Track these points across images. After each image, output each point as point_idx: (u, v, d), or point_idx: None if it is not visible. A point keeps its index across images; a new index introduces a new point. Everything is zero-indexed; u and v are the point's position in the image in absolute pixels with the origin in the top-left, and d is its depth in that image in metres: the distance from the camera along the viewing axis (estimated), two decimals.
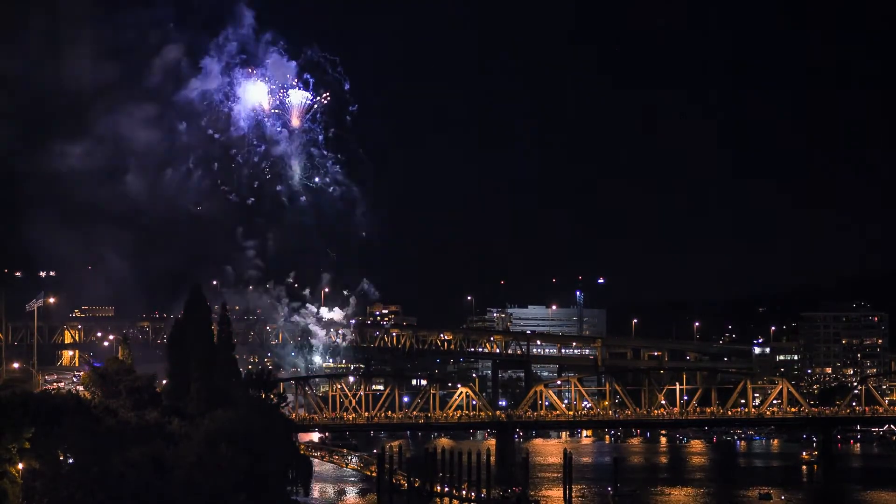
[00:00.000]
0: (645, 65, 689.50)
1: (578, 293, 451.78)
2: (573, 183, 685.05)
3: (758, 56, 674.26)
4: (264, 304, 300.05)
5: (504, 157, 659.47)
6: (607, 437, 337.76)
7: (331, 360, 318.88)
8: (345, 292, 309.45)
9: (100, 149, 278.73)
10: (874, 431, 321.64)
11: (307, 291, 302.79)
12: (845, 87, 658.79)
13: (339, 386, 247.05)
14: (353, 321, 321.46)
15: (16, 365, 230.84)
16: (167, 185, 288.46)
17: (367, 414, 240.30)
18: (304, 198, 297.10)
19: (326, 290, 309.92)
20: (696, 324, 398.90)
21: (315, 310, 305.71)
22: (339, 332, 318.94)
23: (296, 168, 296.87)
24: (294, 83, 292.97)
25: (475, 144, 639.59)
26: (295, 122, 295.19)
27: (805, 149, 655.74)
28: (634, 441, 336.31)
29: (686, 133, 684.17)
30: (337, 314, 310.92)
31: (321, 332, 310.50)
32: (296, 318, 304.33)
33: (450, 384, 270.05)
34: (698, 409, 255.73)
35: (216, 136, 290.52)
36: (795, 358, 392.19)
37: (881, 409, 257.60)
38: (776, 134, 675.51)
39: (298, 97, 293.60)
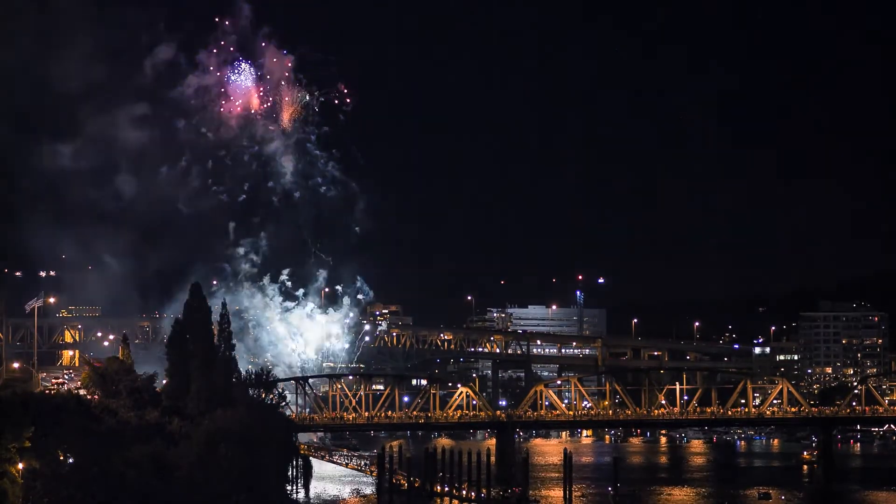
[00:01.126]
0: (641, 66, 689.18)
1: (578, 293, 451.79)
2: (573, 183, 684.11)
3: (765, 58, 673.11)
4: (259, 304, 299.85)
5: (504, 157, 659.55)
6: (607, 437, 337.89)
7: (330, 360, 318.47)
8: (338, 288, 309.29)
9: (95, 148, 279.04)
10: (874, 431, 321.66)
11: (301, 292, 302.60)
12: (846, 87, 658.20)
13: (339, 386, 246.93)
14: (348, 320, 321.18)
15: (16, 365, 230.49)
16: (161, 184, 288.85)
17: (367, 414, 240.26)
18: (298, 193, 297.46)
19: (326, 290, 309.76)
20: (696, 324, 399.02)
21: (311, 309, 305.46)
22: (339, 331, 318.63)
23: (289, 166, 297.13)
24: (289, 80, 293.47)
25: (474, 144, 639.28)
26: (288, 119, 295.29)
27: (805, 148, 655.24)
28: (634, 441, 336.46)
29: (686, 133, 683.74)
30: (334, 314, 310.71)
31: (318, 332, 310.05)
32: (291, 317, 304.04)
33: (450, 384, 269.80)
34: (698, 409, 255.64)
35: (209, 134, 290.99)
36: (795, 358, 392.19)
37: (881, 409, 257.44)
38: (777, 133, 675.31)
39: (293, 94, 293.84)
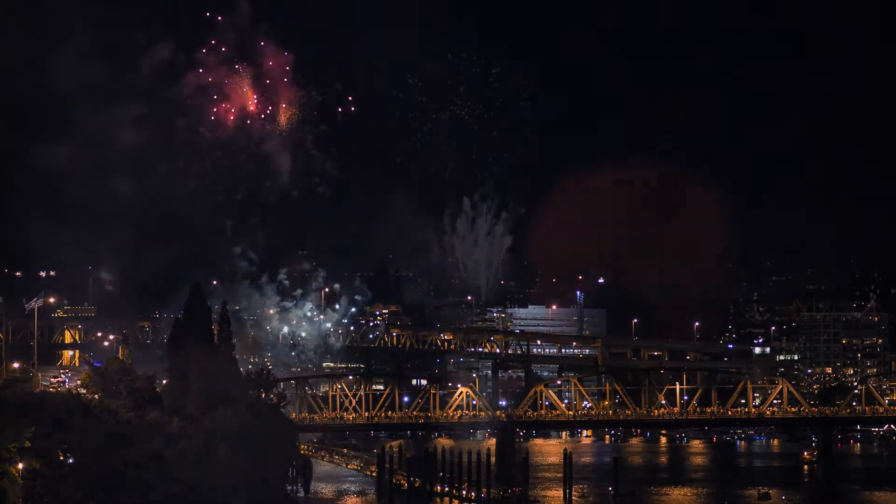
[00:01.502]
0: (640, 65, 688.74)
1: (578, 293, 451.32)
2: (572, 182, 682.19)
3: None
4: (257, 303, 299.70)
5: (503, 156, 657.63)
6: (607, 437, 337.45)
7: (330, 360, 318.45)
8: (336, 287, 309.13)
9: (92, 147, 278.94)
10: (874, 431, 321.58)
11: (299, 292, 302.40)
12: (846, 86, 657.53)
13: (339, 386, 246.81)
14: (346, 320, 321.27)
15: (16, 365, 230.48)
16: (160, 184, 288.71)
17: (367, 414, 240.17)
18: (296, 192, 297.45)
19: (325, 290, 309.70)
20: (696, 324, 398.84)
21: (309, 308, 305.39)
22: (338, 331, 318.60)
23: (287, 165, 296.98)
24: (287, 79, 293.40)
25: (474, 143, 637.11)
26: (286, 118, 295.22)
27: (804, 148, 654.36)
28: (634, 441, 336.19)
29: (686, 133, 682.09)
30: (332, 313, 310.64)
31: (316, 332, 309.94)
32: (289, 317, 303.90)
33: (450, 384, 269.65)
34: (698, 409, 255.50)
35: (207, 133, 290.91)
36: (795, 358, 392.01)
37: (881, 409, 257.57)
38: (776, 133, 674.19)
39: (291, 93, 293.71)
